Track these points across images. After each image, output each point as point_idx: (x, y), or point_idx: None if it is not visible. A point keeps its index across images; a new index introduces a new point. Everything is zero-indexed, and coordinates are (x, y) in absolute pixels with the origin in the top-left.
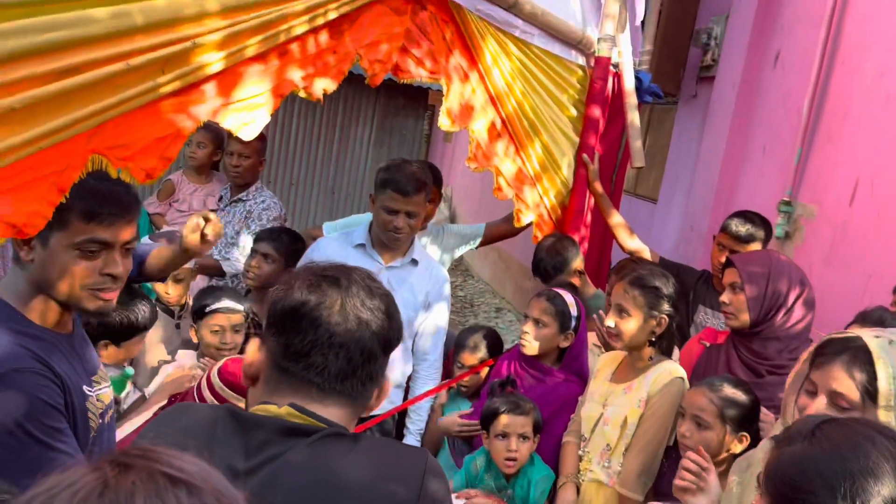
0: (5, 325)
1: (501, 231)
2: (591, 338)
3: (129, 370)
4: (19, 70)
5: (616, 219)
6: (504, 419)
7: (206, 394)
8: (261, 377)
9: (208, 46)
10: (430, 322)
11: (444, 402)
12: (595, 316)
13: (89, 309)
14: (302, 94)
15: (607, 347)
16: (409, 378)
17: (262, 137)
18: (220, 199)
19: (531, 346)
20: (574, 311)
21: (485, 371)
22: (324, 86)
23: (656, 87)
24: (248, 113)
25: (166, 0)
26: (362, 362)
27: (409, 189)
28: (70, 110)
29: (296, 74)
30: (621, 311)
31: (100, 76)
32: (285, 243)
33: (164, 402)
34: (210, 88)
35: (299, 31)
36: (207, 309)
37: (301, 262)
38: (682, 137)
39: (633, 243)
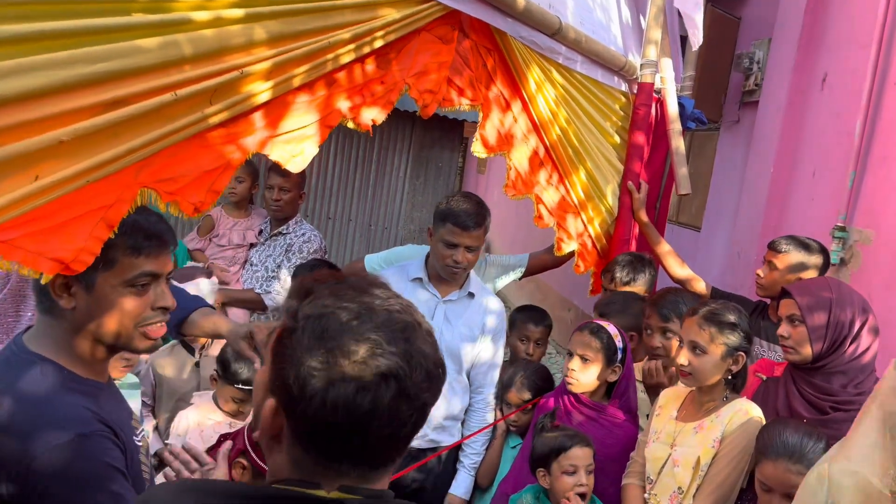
0: (61, 385)
1: (545, 262)
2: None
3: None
4: (68, 102)
5: (664, 247)
6: (575, 452)
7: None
8: (285, 452)
9: (256, 76)
10: (485, 355)
11: (504, 429)
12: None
13: (140, 349)
14: (350, 124)
15: (650, 390)
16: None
17: (301, 171)
18: (260, 232)
19: (578, 384)
20: (620, 344)
21: (530, 405)
22: (372, 116)
23: (700, 113)
24: (296, 145)
25: (214, 30)
26: (411, 436)
27: (469, 223)
28: (118, 143)
29: (343, 105)
30: (695, 348)
31: (148, 107)
32: None
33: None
34: (258, 119)
35: (346, 59)
36: (228, 377)
37: None
38: (725, 163)
39: (683, 272)
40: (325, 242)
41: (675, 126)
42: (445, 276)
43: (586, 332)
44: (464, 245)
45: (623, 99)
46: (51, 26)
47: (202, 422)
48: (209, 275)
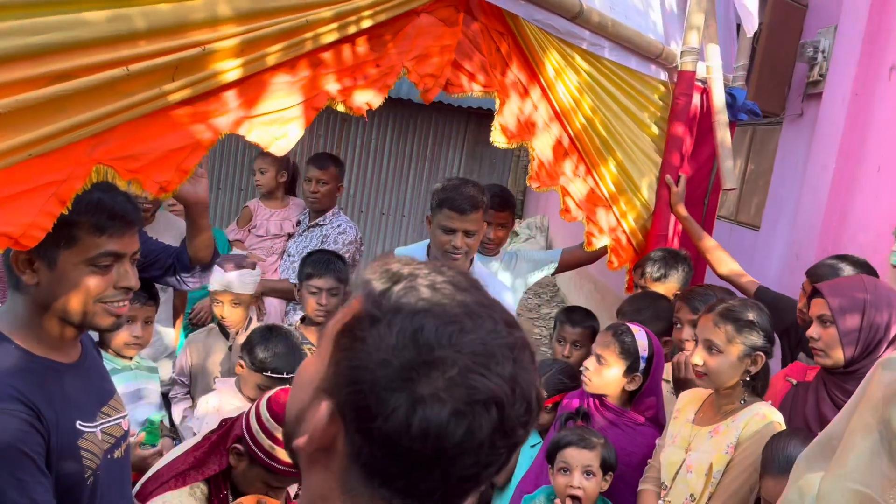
0: None
1: (578, 257)
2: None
3: (157, 416)
4: (7, 73)
5: (708, 242)
6: (570, 452)
7: (254, 424)
8: (334, 471)
9: (222, 53)
10: None
11: None
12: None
13: (102, 326)
14: (341, 107)
15: (678, 385)
16: None
17: (339, 163)
18: (299, 223)
19: (590, 384)
20: (645, 352)
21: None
22: (366, 99)
23: (753, 104)
24: (279, 127)
25: (172, 4)
26: (494, 475)
27: (465, 207)
28: (64, 117)
29: (332, 87)
30: (710, 348)
31: (98, 81)
32: (342, 270)
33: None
34: (231, 98)
35: (328, 39)
36: (255, 364)
37: None
38: (787, 159)
39: (728, 268)
40: (361, 234)
41: (721, 117)
42: (446, 263)
43: (609, 332)
44: (462, 230)
45: (662, 88)
46: None
47: (222, 407)
48: (252, 265)
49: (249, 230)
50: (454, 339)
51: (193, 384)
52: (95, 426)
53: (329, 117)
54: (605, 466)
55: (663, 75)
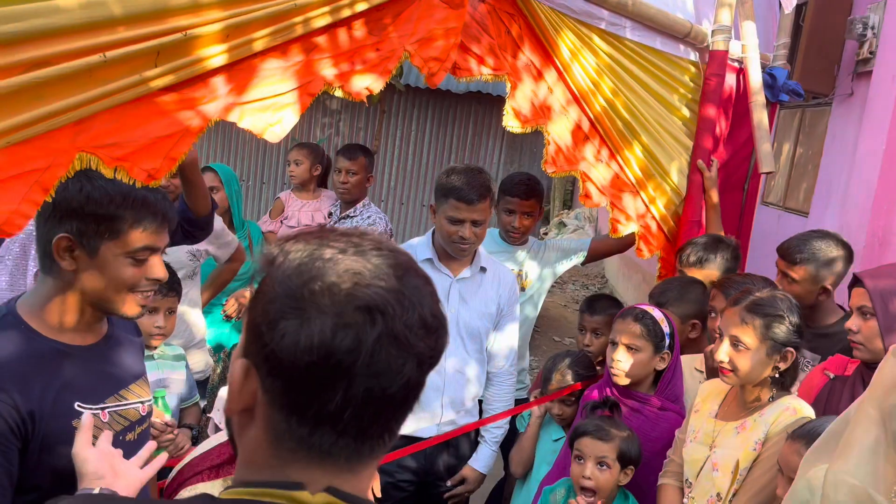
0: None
1: (609, 246)
2: (691, 361)
3: (161, 391)
4: None
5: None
6: (584, 441)
7: None
8: (259, 425)
9: (206, 39)
10: (503, 327)
11: (540, 414)
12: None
13: (129, 314)
14: (339, 93)
15: (711, 375)
16: None
17: (369, 153)
18: (330, 215)
19: (624, 375)
20: (666, 328)
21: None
22: (366, 84)
23: (796, 84)
24: (272, 113)
25: None
26: (405, 406)
27: (473, 197)
28: (43, 104)
29: (328, 72)
30: (737, 344)
31: (75, 68)
32: None
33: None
34: (219, 84)
35: (321, 23)
36: None
37: None
38: (837, 142)
39: None
40: (392, 225)
41: (758, 98)
42: (453, 253)
43: (629, 318)
44: (469, 220)
45: (692, 69)
46: None
47: None
48: None
49: (281, 221)
50: (334, 264)
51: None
52: (100, 408)
53: (368, 109)
54: (625, 460)
55: (694, 55)
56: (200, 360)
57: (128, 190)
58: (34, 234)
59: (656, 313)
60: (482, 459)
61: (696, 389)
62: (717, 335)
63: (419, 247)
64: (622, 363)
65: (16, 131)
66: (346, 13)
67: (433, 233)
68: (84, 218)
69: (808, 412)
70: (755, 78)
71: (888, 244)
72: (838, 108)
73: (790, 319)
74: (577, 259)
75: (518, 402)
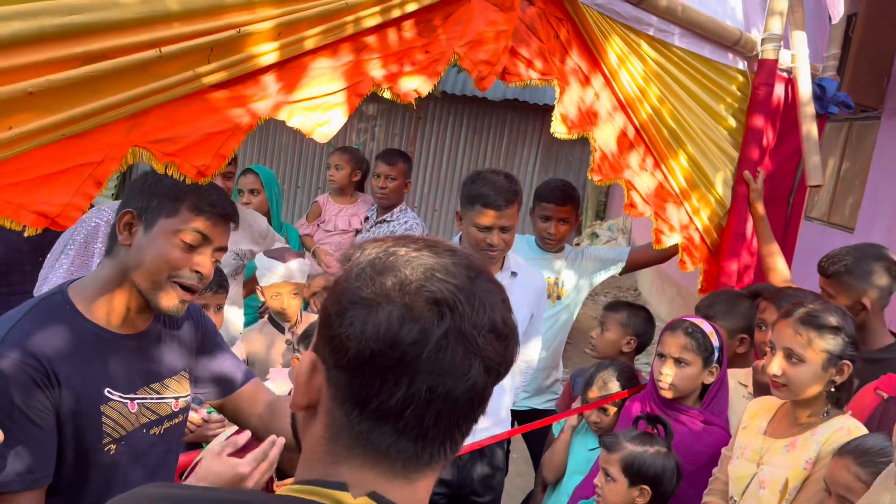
0: (41, 314)
1: (648, 256)
2: (735, 375)
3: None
4: (40, 53)
5: (772, 247)
6: (603, 454)
7: None
8: (320, 420)
9: (259, 36)
10: (528, 340)
11: (574, 423)
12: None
13: (161, 305)
14: (387, 94)
15: (761, 390)
16: None
17: (408, 159)
18: (367, 219)
19: (673, 389)
20: (716, 342)
21: (613, 409)
22: (414, 86)
23: (845, 96)
24: (321, 113)
25: None
26: (469, 413)
27: (500, 203)
28: (97, 98)
29: (377, 72)
30: (791, 356)
31: (129, 63)
32: None
33: None
34: (269, 82)
35: (371, 22)
36: None
37: None
38: (885, 157)
39: (782, 277)
40: (428, 230)
41: (808, 109)
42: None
43: (680, 332)
44: (497, 226)
45: (740, 78)
46: None
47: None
48: (300, 255)
49: (318, 225)
50: (408, 259)
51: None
52: (130, 398)
53: (404, 115)
54: (634, 475)
55: (742, 64)
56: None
57: (198, 184)
58: (99, 227)
59: (706, 326)
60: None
61: (742, 405)
62: (769, 349)
63: None
64: (671, 377)
65: (71, 124)
66: (397, 13)
67: (460, 239)
68: (150, 196)
69: (861, 431)
70: (805, 88)
71: None
72: (888, 122)
73: (846, 331)
74: (616, 269)
75: (547, 413)
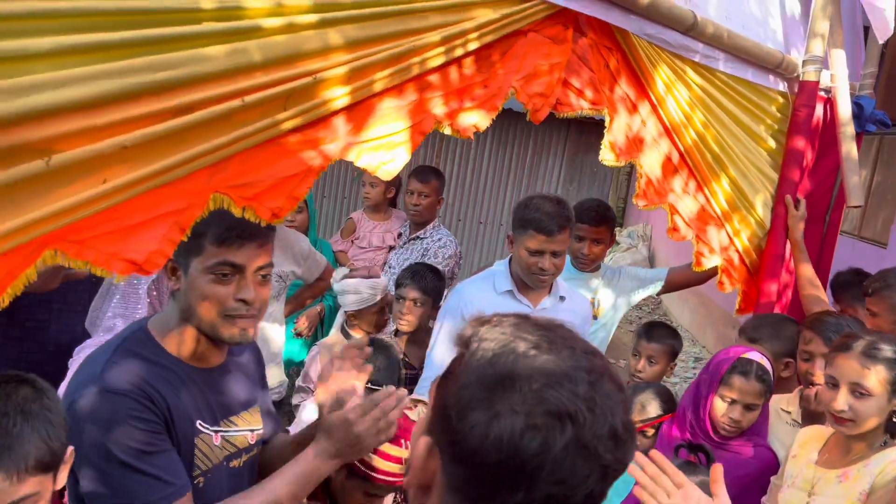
0: (131, 350)
1: (687, 277)
2: (777, 401)
3: None
4: (134, 108)
5: (808, 270)
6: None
7: None
8: (434, 497)
9: (332, 81)
10: None
11: None
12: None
13: (224, 338)
14: (447, 130)
15: (809, 418)
16: None
17: (441, 176)
18: (400, 235)
19: (735, 430)
20: (772, 377)
21: (651, 431)
22: (474, 121)
23: (882, 114)
24: (385, 151)
25: (286, 36)
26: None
27: (553, 228)
28: (185, 148)
29: (439, 110)
30: (857, 391)
31: (215, 113)
32: (430, 281)
33: None
34: (340, 124)
35: (435, 63)
36: None
37: (445, 311)
38: None
39: (818, 301)
40: (475, 249)
41: (847, 129)
42: (532, 284)
43: (753, 379)
44: (549, 251)
45: (780, 100)
46: (120, 36)
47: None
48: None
49: (353, 241)
50: (530, 361)
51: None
52: (215, 430)
53: None
54: None
55: (782, 86)
56: (276, 376)
57: (215, 211)
58: None
59: (768, 365)
60: None
61: (784, 431)
62: (827, 383)
63: (498, 277)
64: (738, 421)
65: (161, 175)
66: (459, 52)
67: (510, 262)
68: (183, 242)
69: None
70: (844, 109)
71: None
72: None
73: None
74: (654, 289)
75: None
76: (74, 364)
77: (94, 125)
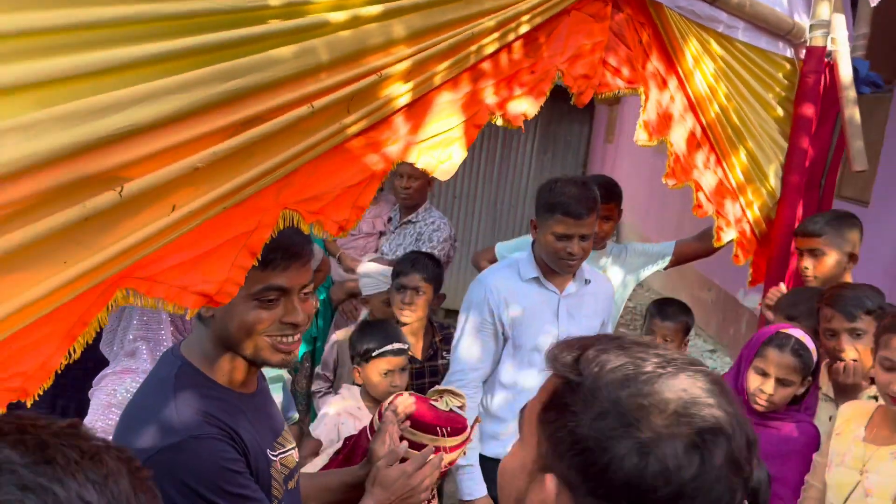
0: (189, 388)
1: (695, 250)
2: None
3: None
4: (202, 125)
5: None
6: None
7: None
8: None
9: (395, 77)
10: None
11: None
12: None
13: (271, 362)
14: (499, 121)
15: (842, 391)
16: None
17: None
18: (390, 220)
19: (770, 406)
20: (815, 357)
21: None
22: (523, 109)
23: (876, 75)
24: (443, 150)
25: (352, 30)
26: None
27: (581, 211)
28: (253, 164)
29: (491, 99)
30: None
31: (284, 123)
32: (431, 269)
33: (340, 445)
34: (400, 124)
35: (490, 49)
36: (376, 353)
37: (469, 303)
38: None
39: None
40: (454, 229)
41: (849, 93)
42: (559, 269)
43: (788, 353)
44: (577, 235)
45: (788, 66)
46: (181, 44)
47: (341, 413)
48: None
49: None
50: (666, 381)
51: (339, 380)
52: (276, 456)
53: None
54: None
55: (789, 52)
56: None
57: None
58: None
59: (809, 342)
60: None
61: (817, 406)
62: (886, 366)
63: (523, 264)
64: (773, 396)
65: (231, 195)
66: (512, 37)
67: (533, 247)
68: None
69: None
70: (846, 73)
71: None
72: None
73: None
74: (662, 264)
75: None
76: (99, 394)
77: (165, 147)
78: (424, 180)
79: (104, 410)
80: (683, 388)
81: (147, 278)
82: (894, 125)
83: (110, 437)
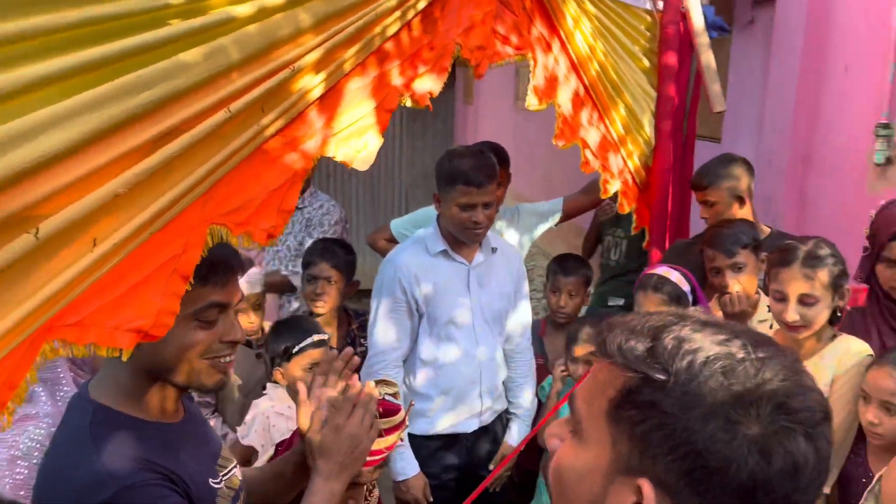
0: (110, 434)
1: (582, 203)
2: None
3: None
4: (117, 145)
5: None
6: None
7: None
8: None
9: (307, 69)
10: (518, 305)
11: (559, 389)
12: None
13: (208, 385)
14: (408, 102)
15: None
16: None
17: None
18: None
19: None
20: (686, 286)
21: None
22: (429, 87)
23: (720, 20)
24: (358, 139)
25: (259, 24)
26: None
27: (481, 180)
28: (175, 180)
29: (397, 80)
30: (806, 301)
31: (203, 132)
32: (341, 256)
33: (272, 452)
34: (314, 117)
35: (393, 30)
36: (296, 349)
37: (381, 284)
38: (742, 68)
39: None
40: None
41: (703, 39)
42: (466, 239)
43: (648, 290)
44: (480, 203)
45: (649, 19)
46: (80, 58)
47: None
48: (251, 263)
49: None
50: (762, 372)
51: (224, 399)
52: (220, 481)
53: None
54: None
55: (648, 4)
56: None
57: None
58: None
59: (673, 275)
60: (518, 435)
61: None
62: (777, 298)
63: (430, 239)
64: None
65: (153, 222)
66: (411, 14)
67: (438, 221)
68: None
69: (866, 349)
70: (698, 19)
71: (811, 163)
72: (739, 36)
73: (837, 255)
74: (553, 220)
75: None
76: (0, 448)
77: (80, 175)
78: None
79: (9, 465)
80: (782, 376)
81: (75, 325)
82: (736, 65)
83: (21, 493)
